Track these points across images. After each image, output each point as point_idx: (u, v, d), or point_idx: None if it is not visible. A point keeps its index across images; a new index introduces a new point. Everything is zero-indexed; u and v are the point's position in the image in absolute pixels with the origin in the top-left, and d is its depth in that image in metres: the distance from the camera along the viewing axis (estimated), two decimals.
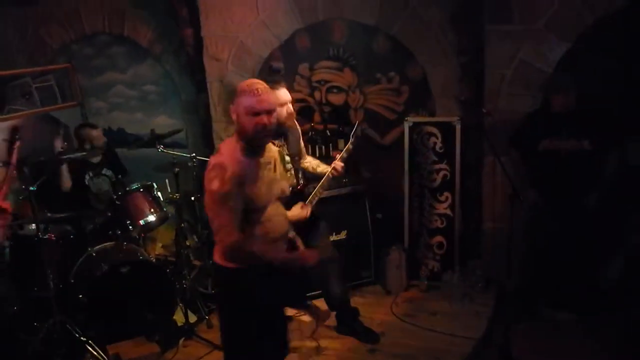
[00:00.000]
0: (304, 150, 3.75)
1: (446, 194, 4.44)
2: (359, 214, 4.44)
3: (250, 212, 2.46)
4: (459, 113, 4.33)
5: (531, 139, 3.79)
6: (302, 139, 3.73)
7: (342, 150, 3.65)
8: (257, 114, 2.40)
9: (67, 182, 4.48)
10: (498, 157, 3.55)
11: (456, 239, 4.45)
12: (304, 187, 3.54)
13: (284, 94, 3.45)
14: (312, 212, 3.30)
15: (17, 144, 2.81)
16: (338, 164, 3.56)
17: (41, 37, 5.74)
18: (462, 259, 4.49)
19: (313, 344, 3.82)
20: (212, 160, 2.45)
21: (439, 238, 4.51)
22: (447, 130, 4.35)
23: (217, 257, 2.53)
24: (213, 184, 2.35)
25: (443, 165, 4.41)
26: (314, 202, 3.48)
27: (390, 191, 4.66)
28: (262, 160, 2.53)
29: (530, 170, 3.88)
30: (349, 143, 3.63)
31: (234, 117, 2.46)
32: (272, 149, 2.66)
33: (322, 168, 3.65)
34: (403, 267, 4.47)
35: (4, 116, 5.24)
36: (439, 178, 4.44)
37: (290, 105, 3.50)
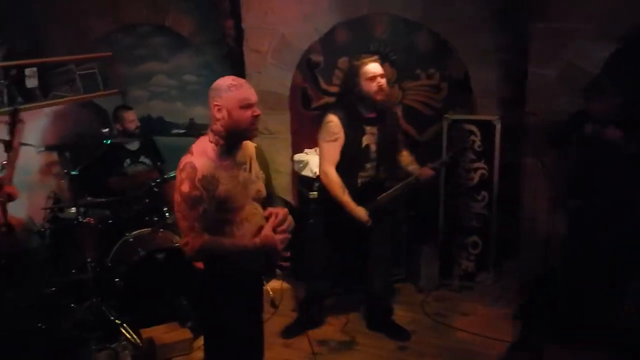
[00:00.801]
0: (401, 141, 3.73)
1: (483, 193, 4.38)
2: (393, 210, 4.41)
3: (225, 212, 2.42)
4: (499, 112, 4.26)
5: (572, 140, 3.68)
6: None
7: (439, 160, 3.71)
8: (250, 105, 2.39)
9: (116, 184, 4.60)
10: (539, 158, 3.48)
11: (492, 240, 4.39)
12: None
13: (373, 67, 3.43)
14: (378, 209, 3.42)
15: (19, 126, 2.81)
16: (427, 171, 3.59)
17: (83, 27, 5.84)
18: (497, 260, 4.42)
19: (344, 337, 3.82)
20: (184, 160, 2.38)
21: (473, 238, 4.45)
22: (486, 129, 4.28)
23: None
24: (183, 185, 2.32)
25: (481, 164, 4.35)
26: (384, 201, 3.51)
27: (425, 188, 4.62)
28: (237, 160, 2.48)
29: (572, 172, 3.78)
30: (448, 157, 3.76)
31: (219, 115, 2.37)
32: (249, 147, 2.58)
33: (412, 168, 3.67)
34: (436, 266, 4.43)
35: (49, 102, 5.37)
36: (476, 177, 4.38)
37: (382, 80, 3.43)
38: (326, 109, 3.57)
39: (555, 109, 3.98)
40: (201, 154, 2.39)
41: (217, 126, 2.40)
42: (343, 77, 3.57)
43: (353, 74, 3.45)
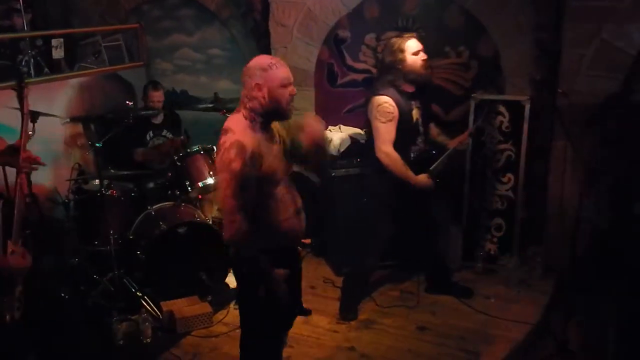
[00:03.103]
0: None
1: (509, 175, 4.29)
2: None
3: (269, 186, 2.45)
4: (529, 93, 4.15)
5: (609, 124, 3.59)
6: None
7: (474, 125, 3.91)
8: (290, 84, 2.44)
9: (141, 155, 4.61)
10: (571, 141, 3.38)
11: (517, 223, 4.31)
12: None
13: (415, 42, 3.53)
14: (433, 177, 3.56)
15: (26, 92, 2.81)
16: (465, 137, 3.76)
17: None
18: (521, 244, 4.34)
19: (363, 316, 3.80)
20: (227, 139, 2.36)
21: (498, 220, 4.37)
22: (515, 109, 4.18)
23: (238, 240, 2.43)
24: (235, 163, 2.30)
25: (508, 146, 4.25)
26: (438, 169, 3.60)
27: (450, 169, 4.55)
28: (271, 134, 2.51)
29: (606, 155, 3.68)
30: (480, 120, 3.94)
31: (260, 93, 2.39)
32: (275, 123, 2.58)
33: (442, 138, 3.82)
34: (459, 247, 4.38)
35: (75, 73, 5.39)
36: (502, 158, 4.28)
37: (424, 55, 3.55)
38: (372, 92, 3.55)
39: (590, 90, 3.86)
40: (243, 132, 2.39)
41: (255, 104, 2.42)
42: (384, 54, 3.55)
43: (399, 50, 3.49)
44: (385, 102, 3.46)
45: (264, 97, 2.40)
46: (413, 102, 3.59)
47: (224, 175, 2.35)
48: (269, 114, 2.45)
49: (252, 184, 2.35)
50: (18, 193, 2.61)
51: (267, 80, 2.39)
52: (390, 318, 3.79)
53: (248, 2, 5.11)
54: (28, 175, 2.65)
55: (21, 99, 2.74)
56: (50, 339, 3.20)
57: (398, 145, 3.51)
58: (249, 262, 2.45)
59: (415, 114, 3.61)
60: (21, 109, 2.75)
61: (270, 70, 2.40)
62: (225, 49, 5.55)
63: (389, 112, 3.45)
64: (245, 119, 2.44)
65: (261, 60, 2.47)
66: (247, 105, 2.43)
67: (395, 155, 3.48)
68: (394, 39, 3.56)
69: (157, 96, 4.76)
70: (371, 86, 3.83)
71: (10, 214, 2.59)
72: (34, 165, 2.75)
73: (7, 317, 2.53)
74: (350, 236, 4.10)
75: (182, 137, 4.78)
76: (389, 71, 3.53)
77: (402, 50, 3.48)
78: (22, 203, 2.61)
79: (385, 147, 3.48)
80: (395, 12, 4.58)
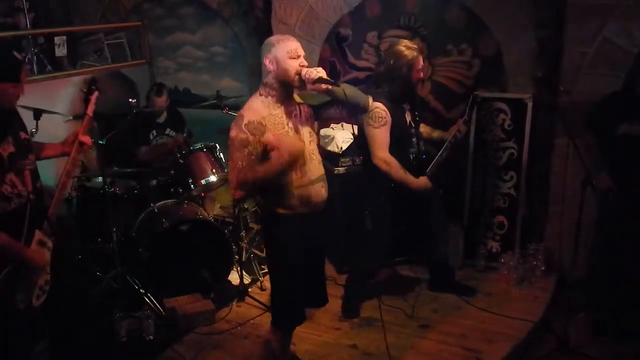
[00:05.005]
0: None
1: (511, 173, 4.29)
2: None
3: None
4: (532, 91, 4.15)
5: (609, 122, 3.58)
6: None
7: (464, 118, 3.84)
8: (298, 56, 2.65)
9: (145, 154, 4.62)
10: (572, 139, 3.38)
11: (518, 220, 4.31)
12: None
13: (418, 55, 3.52)
14: (431, 177, 3.57)
15: (95, 94, 2.94)
16: (460, 125, 3.77)
17: None
18: (523, 242, 4.35)
19: (365, 314, 3.81)
20: (236, 117, 2.68)
21: (500, 218, 4.38)
22: (517, 107, 4.18)
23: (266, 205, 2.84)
24: (232, 131, 2.62)
25: (510, 144, 4.26)
26: (435, 168, 3.61)
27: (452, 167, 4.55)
28: (291, 109, 2.73)
29: (606, 155, 3.68)
30: (469, 111, 3.89)
31: (271, 67, 2.63)
32: (295, 98, 2.79)
33: (438, 133, 3.85)
34: (460, 245, 4.39)
35: (77, 71, 5.40)
36: (505, 156, 4.29)
37: (423, 63, 3.62)
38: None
39: (591, 88, 3.86)
40: (248, 108, 2.66)
41: (269, 78, 2.66)
42: (387, 62, 3.50)
43: (402, 64, 3.45)
44: (377, 107, 3.43)
45: (275, 70, 2.63)
46: (404, 106, 3.59)
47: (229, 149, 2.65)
48: (282, 86, 2.66)
49: (246, 149, 2.59)
50: (63, 178, 2.73)
51: (276, 52, 2.62)
52: (392, 315, 3.80)
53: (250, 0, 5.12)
54: (34, 171, 2.67)
55: (88, 100, 2.96)
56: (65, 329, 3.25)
57: (395, 149, 3.49)
58: (268, 220, 2.85)
59: (408, 116, 3.61)
60: (84, 110, 2.95)
61: (278, 44, 2.64)
62: (228, 47, 5.56)
63: (381, 117, 3.42)
64: (260, 95, 2.69)
65: (271, 37, 2.74)
66: (264, 81, 2.69)
67: (391, 159, 3.46)
68: (399, 49, 3.48)
69: (161, 101, 4.78)
70: (370, 86, 3.82)
71: (41, 208, 2.62)
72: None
73: (22, 305, 2.55)
74: (352, 234, 4.11)
75: (184, 135, 4.80)
76: (386, 78, 3.52)
77: (405, 65, 3.44)
78: (62, 191, 2.75)
79: (381, 152, 3.46)
80: (396, 10, 4.58)
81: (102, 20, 5.93)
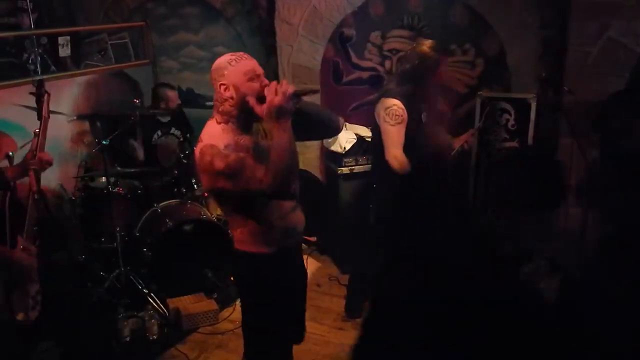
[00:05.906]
0: None
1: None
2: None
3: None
4: (535, 90, 4.14)
5: (614, 122, 3.57)
6: None
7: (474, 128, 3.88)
8: (258, 76, 2.24)
9: (140, 154, 4.60)
10: (576, 139, 3.37)
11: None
12: None
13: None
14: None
15: (46, 97, 2.89)
16: (469, 137, 3.72)
17: None
18: None
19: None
20: (197, 150, 2.25)
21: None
22: (521, 107, 4.16)
23: (238, 244, 2.40)
24: (216, 163, 2.16)
25: (514, 144, 4.25)
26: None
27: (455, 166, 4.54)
28: (256, 136, 2.33)
29: (610, 155, 3.67)
30: (481, 122, 3.90)
31: (228, 94, 2.22)
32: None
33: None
34: None
35: (81, 71, 5.41)
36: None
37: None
38: (380, 94, 3.51)
39: (596, 87, 3.85)
40: (211, 137, 2.24)
41: (226, 107, 2.25)
42: (413, 62, 3.43)
43: (427, 65, 3.39)
44: (394, 105, 3.40)
45: (232, 97, 2.23)
46: (422, 106, 3.52)
47: (209, 182, 2.27)
48: (244, 113, 2.25)
49: (246, 169, 2.19)
50: (31, 190, 2.65)
51: (231, 76, 2.21)
52: None
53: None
54: (37, 173, 2.67)
55: (40, 103, 2.80)
56: (67, 333, 3.24)
57: (411, 147, 3.45)
58: (244, 263, 2.41)
59: (424, 117, 3.56)
60: (40, 112, 2.79)
61: (231, 66, 2.22)
62: (231, 46, 5.53)
63: (398, 115, 3.39)
64: (218, 123, 2.28)
65: (221, 59, 2.28)
66: (220, 109, 2.27)
67: (403, 158, 3.41)
68: (433, 56, 3.40)
69: (174, 96, 4.76)
70: (380, 86, 3.80)
71: (19, 210, 2.61)
72: (45, 165, 2.80)
73: (20, 315, 2.54)
74: (355, 234, 4.10)
75: (188, 135, 4.80)
76: (412, 79, 3.45)
77: (435, 68, 3.40)
78: (32, 200, 2.65)
79: (395, 150, 3.42)
80: (400, 10, 4.57)
81: (105, 20, 5.94)
